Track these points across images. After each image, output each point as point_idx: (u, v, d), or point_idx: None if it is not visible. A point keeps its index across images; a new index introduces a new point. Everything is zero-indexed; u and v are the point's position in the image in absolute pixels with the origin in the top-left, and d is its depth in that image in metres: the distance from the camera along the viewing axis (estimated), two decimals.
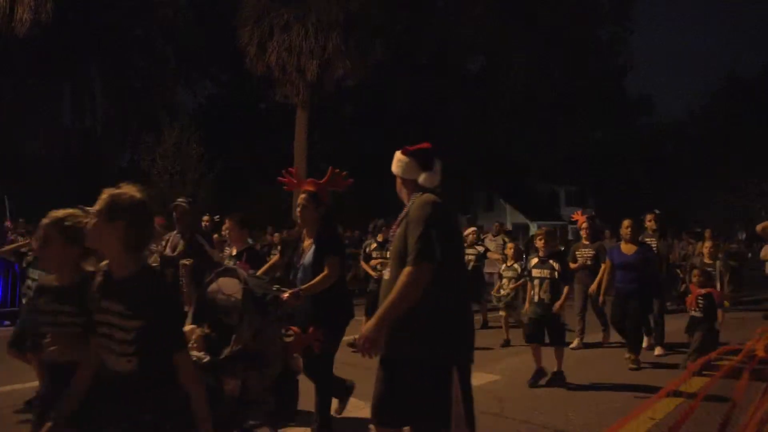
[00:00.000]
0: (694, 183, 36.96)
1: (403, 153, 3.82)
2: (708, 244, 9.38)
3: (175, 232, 7.21)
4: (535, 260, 7.50)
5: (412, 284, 3.33)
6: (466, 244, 11.46)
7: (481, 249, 11.86)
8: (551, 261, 7.29)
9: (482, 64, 34.95)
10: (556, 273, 7.23)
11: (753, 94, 38.01)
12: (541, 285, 7.27)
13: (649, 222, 9.72)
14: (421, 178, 3.72)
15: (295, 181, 5.38)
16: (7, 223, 14.48)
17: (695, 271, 8.31)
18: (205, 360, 3.59)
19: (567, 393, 6.81)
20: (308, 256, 5.06)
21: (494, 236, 14.58)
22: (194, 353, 3.60)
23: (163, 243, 7.57)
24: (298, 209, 5.11)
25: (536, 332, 7.25)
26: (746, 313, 13.13)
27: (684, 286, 13.66)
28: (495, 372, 7.61)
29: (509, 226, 40.26)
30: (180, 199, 7.18)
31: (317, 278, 4.85)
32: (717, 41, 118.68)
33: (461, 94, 31.14)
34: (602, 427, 5.41)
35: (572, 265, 9.52)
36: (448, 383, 3.41)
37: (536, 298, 7.28)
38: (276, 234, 15.81)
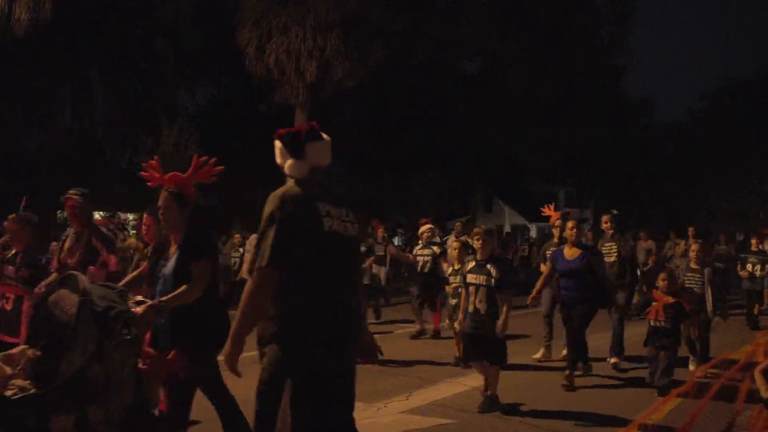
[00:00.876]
0: (694, 184, 36.97)
1: (275, 137, 3.40)
2: (695, 247, 8.25)
3: (72, 230, 6.00)
4: (471, 264, 6.37)
5: (249, 294, 2.99)
6: (420, 244, 10.83)
7: (437, 249, 10.73)
8: (489, 266, 6.17)
9: (481, 65, 34.96)
10: (493, 280, 6.11)
11: (752, 96, 38.02)
12: (476, 293, 6.18)
13: (605, 224, 8.94)
14: (286, 166, 3.29)
15: (157, 176, 4.42)
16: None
17: (662, 275, 7.17)
18: (30, 391, 2.95)
19: (564, 393, 6.82)
20: (170, 264, 4.15)
21: (458, 236, 13.36)
22: (18, 382, 3.03)
23: (62, 240, 6.23)
24: (160, 211, 4.24)
25: (474, 351, 6.28)
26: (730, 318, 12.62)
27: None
28: None
29: (508, 228, 40.43)
30: (71, 191, 5.92)
31: (181, 288, 3.94)
32: (717, 42, 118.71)
33: (460, 95, 31.14)
34: (598, 427, 5.43)
35: (543, 267, 8.63)
36: (274, 395, 3.05)
37: (471, 308, 6.24)
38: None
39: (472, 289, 6.23)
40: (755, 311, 12.57)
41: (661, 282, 7.00)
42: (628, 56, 37.92)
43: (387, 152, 29.98)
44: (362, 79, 20.40)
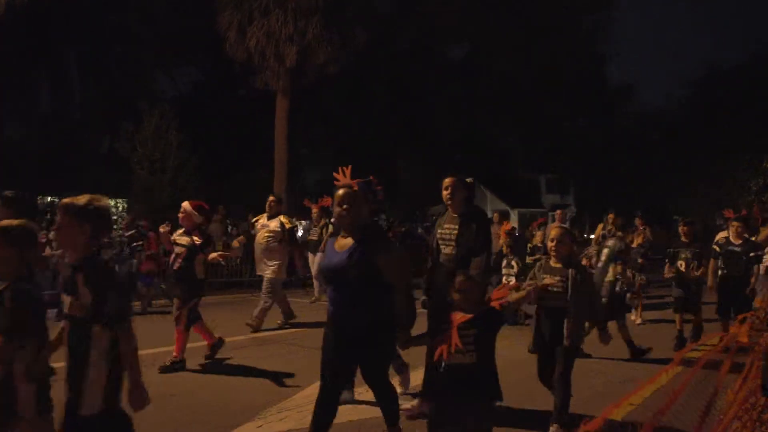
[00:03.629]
0: (676, 171, 37.17)
1: None
2: (554, 233, 5.26)
3: None
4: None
5: None
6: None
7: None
8: (78, 279, 3.11)
9: (465, 52, 34.95)
10: (78, 306, 3.10)
11: (732, 84, 38.26)
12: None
13: (446, 191, 5.49)
14: None
15: None
16: None
17: (458, 278, 3.96)
18: None
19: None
20: None
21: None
22: None
23: None
24: None
25: None
26: (656, 325, 10.86)
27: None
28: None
29: (490, 214, 40.56)
30: None
31: None
32: (700, 30, 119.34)
33: (444, 82, 31.14)
34: (583, 412, 5.45)
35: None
36: None
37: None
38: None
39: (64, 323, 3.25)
40: (696, 323, 9.00)
41: (456, 290, 3.90)
42: (611, 43, 38.10)
43: (370, 138, 29.96)
44: (344, 65, 20.29)
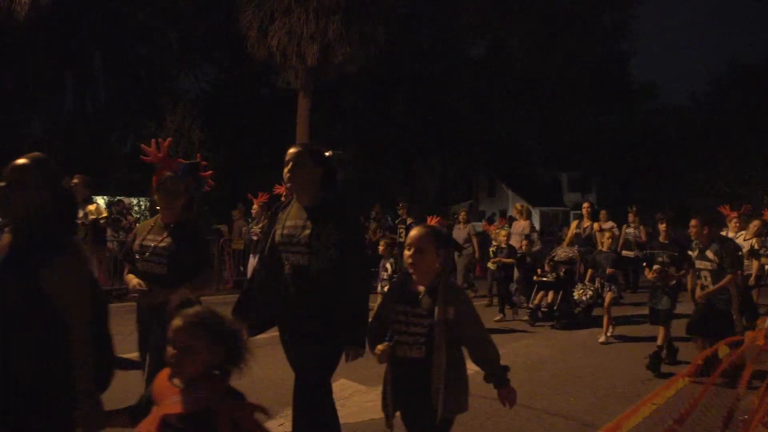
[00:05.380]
0: (698, 169, 36.83)
1: None
2: (415, 233, 3.10)
3: None
4: None
5: None
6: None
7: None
8: None
9: (485, 49, 34.83)
10: None
11: (756, 81, 37.78)
12: None
13: (286, 167, 3.62)
14: None
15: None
16: None
17: (175, 320, 2.21)
18: None
19: (568, 378, 6.81)
20: None
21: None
22: None
23: None
24: None
25: None
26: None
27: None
28: None
29: (510, 212, 40.51)
30: None
31: None
32: (722, 27, 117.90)
33: (464, 80, 31.05)
34: (604, 411, 5.44)
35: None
36: None
37: None
38: None
39: None
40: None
41: (170, 334, 2.21)
42: (632, 41, 37.77)
43: (390, 137, 29.99)
44: (364, 63, 20.32)
